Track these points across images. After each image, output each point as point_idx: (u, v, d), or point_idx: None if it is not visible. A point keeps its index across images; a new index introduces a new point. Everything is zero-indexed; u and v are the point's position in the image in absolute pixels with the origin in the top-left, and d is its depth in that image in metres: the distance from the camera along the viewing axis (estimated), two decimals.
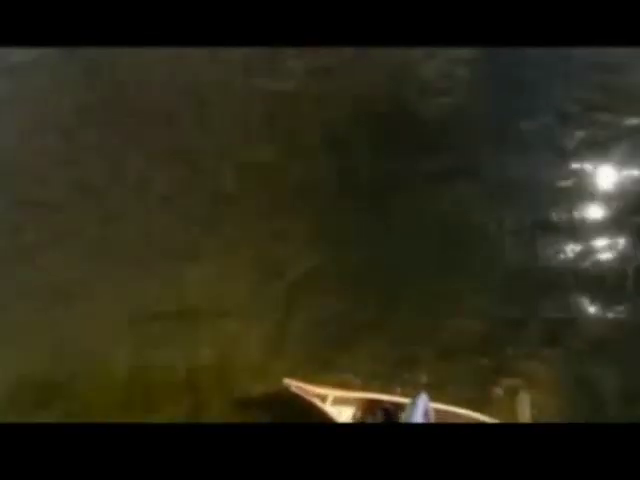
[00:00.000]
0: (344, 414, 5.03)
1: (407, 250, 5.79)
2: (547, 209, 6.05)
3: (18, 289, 5.82)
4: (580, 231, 5.87)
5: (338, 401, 5.09)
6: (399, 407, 4.85)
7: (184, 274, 5.78)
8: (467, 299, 5.45)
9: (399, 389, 5.07)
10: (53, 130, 7.00)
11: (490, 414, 4.71)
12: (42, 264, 5.96)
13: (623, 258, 5.64)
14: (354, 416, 5.06)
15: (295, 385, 5.01)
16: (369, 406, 5.07)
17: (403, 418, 4.53)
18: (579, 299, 5.42)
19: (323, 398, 5.06)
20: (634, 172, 6.25)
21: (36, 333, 5.50)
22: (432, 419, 4.62)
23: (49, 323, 5.57)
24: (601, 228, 5.87)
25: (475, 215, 5.99)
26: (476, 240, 5.82)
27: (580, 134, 6.51)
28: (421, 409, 4.54)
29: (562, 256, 5.72)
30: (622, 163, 6.31)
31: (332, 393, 5.07)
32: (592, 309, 5.38)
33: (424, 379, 5.07)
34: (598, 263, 5.65)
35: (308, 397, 5.03)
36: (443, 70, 7.19)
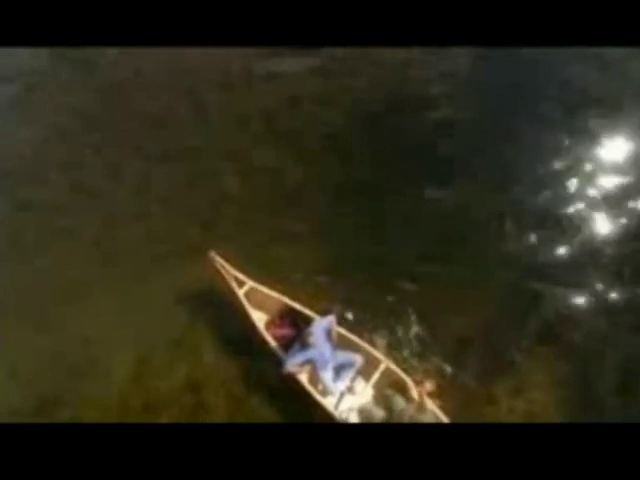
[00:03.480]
0: (255, 316, 5.21)
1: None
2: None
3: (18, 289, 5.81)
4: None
5: (254, 294, 5.29)
6: (308, 321, 5.07)
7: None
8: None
9: None
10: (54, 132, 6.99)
11: None
12: (42, 265, 5.95)
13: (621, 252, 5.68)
14: (265, 321, 5.28)
15: (219, 261, 5.21)
16: (280, 312, 5.29)
17: (306, 330, 4.85)
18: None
19: (240, 283, 5.27)
20: None
21: (36, 333, 5.49)
22: (334, 340, 4.99)
23: (50, 323, 5.57)
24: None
25: (474, 212, 6.01)
26: (475, 237, 5.85)
27: None
28: (324, 326, 4.94)
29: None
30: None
31: (250, 283, 5.28)
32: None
33: None
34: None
35: (227, 276, 5.25)
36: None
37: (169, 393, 5.12)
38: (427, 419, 4.52)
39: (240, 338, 5.23)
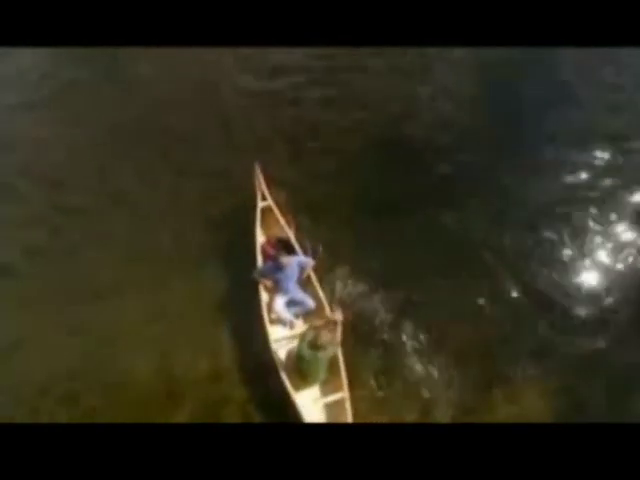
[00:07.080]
0: (258, 231, 5.86)
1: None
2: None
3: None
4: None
5: (269, 213, 6.01)
6: (292, 252, 5.63)
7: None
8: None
9: None
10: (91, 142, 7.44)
11: None
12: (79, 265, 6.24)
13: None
14: (264, 241, 5.86)
15: (260, 174, 6.04)
16: (280, 237, 5.87)
17: (284, 257, 5.39)
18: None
19: (263, 197, 6.07)
20: None
21: (70, 333, 5.68)
22: (303, 280, 5.50)
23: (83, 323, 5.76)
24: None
25: (478, 230, 6.20)
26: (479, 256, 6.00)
27: None
28: (300, 262, 5.50)
29: None
30: None
31: (270, 202, 6.06)
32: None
33: None
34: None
35: (257, 187, 6.06)
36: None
37: (192, 388, 5.25)
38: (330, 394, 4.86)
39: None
